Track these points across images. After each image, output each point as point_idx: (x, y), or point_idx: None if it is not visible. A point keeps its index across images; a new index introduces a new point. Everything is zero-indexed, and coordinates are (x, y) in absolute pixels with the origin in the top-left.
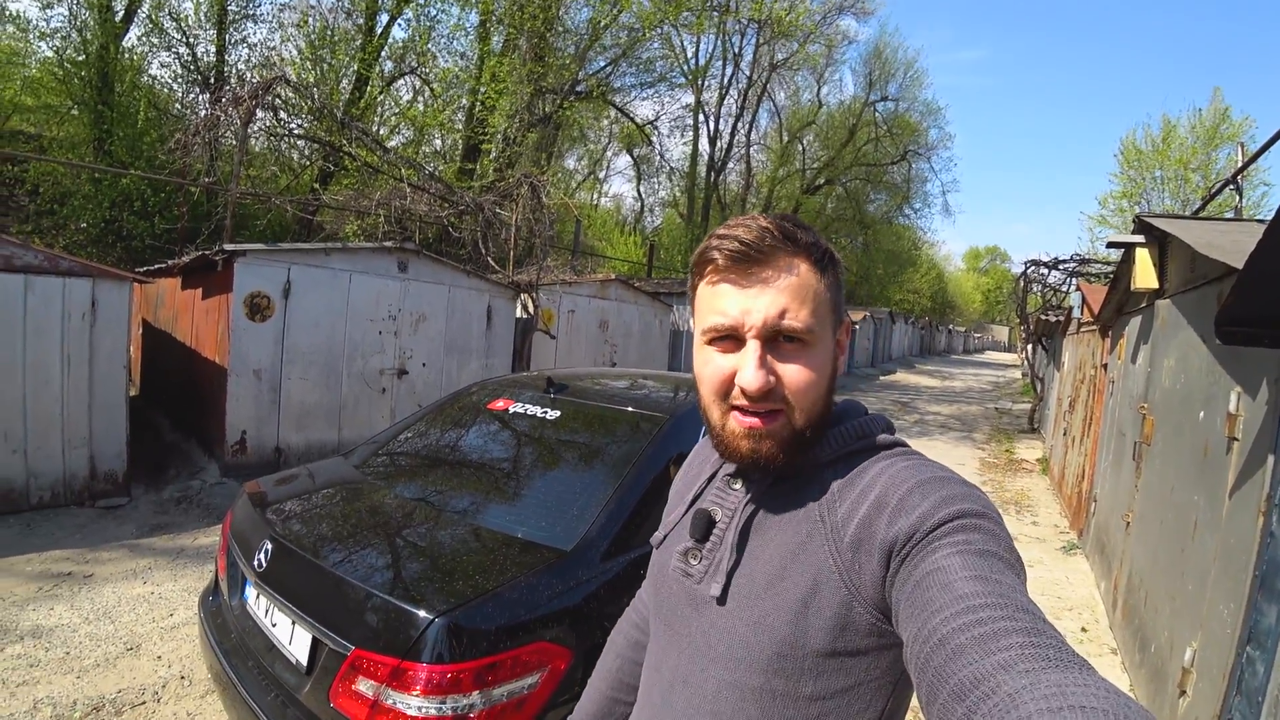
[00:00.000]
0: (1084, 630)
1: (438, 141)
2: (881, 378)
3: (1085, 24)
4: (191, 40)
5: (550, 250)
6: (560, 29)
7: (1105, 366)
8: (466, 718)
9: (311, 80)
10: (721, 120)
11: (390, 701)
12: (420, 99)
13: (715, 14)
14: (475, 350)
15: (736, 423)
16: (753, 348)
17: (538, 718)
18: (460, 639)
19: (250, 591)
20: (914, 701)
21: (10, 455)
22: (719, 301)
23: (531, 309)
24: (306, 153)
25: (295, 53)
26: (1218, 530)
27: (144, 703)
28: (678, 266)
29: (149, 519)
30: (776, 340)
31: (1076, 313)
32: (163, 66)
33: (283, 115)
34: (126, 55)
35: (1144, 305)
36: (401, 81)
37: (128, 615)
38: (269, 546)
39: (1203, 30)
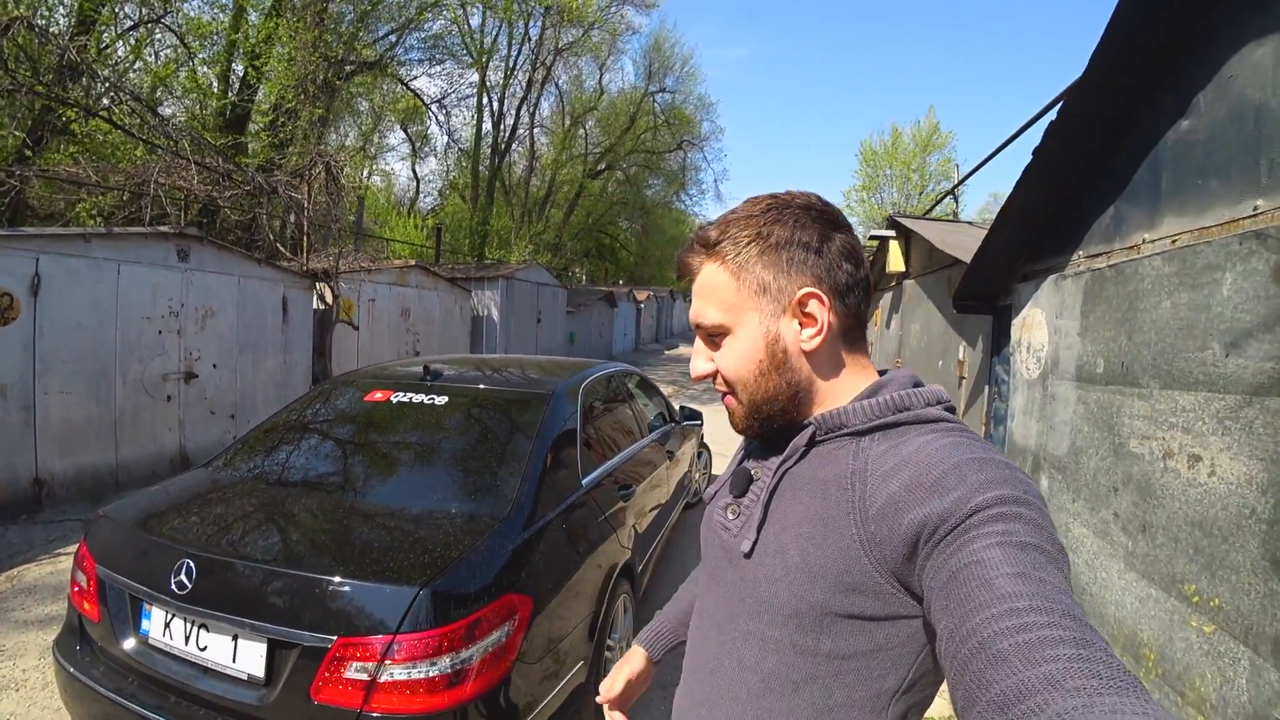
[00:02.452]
0: None
1: (188, 103)
2: (666, 351)
3: (829, 35)
4: None
5: (344, 235)
6: None
7: None
8: (464, 670)
9: (22, 11)
10: (506, 102)
11: (389, 676)
12: (157, 49)
13: None
14: (272, 346)
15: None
16: (696, 343)
17: (517, 657)
18: (446, 603)
19: (156, 623)
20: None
21: None
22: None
23: (330, 299)
24: (6, 107)
25: None
26: None
27: None
28: (464, 250)
29: None
30: (711, 335)
31: None
32: None
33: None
34: None
35: (894, 284)
36: (142, 29)
37: None
38: (189, 565)
39: (923, 53)
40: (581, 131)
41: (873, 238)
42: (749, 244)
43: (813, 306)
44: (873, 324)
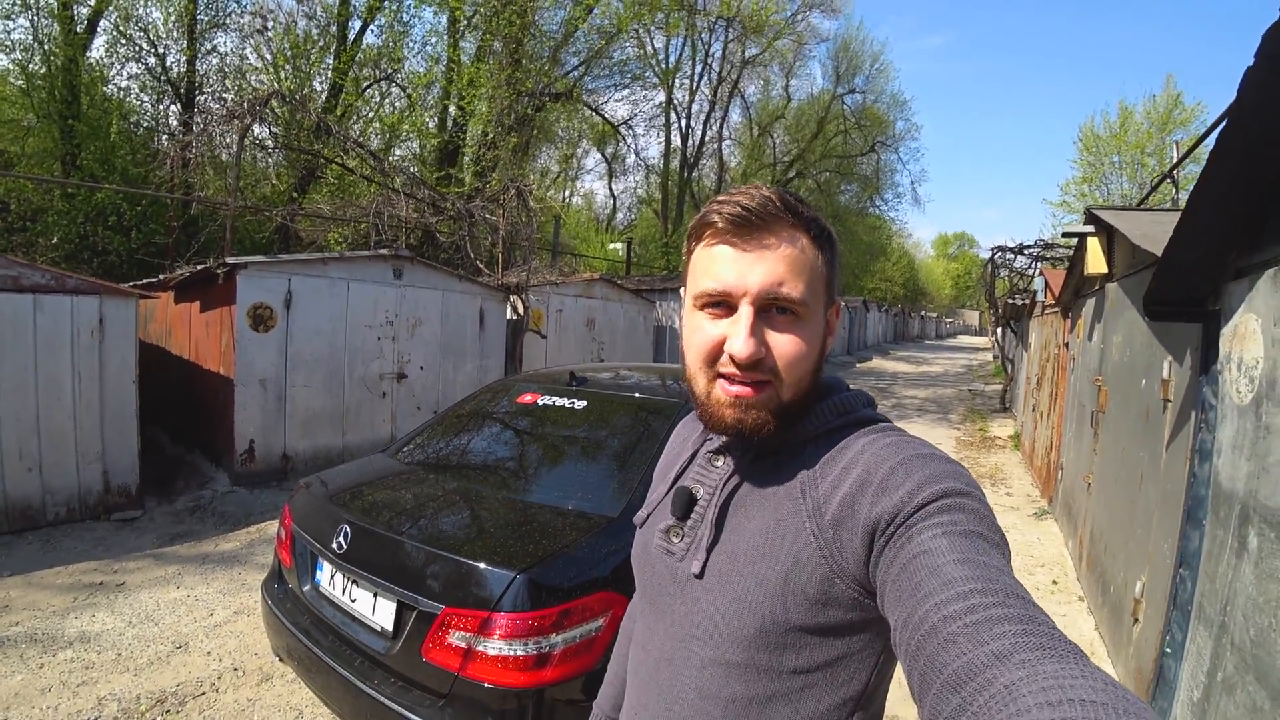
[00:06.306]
0: (1054, 583)
1: (414, 145)
2: (858, 365)
3: (1049, 6)
4: (160, 50)
5: (536, 252)
6: (535, 33)
7: (1067, 345)
8: (549, 655)
9: (286, 89)
10: (693, 118)
11: (483, 648)
12: (389, 102)
13: (684, 13)
14: (470, 352)
15: (723, 391)
16: (745, 314)
17: (603, 655)
18: (540, 590)
19: (324, 574)
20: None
21: (26, 473)
22: (715, 265)
23: (522, 310)
24: (285, 162)
25: (264, 61)
26: (1159, 480)
27: (204, 693)
28: (655, 263)
29: (166, 529)
30: (769, 310)
31: (1041, 296)
32: (131, 78)
33: (270, 127)
34: (94, 67)
35: (1096, 288)
36: (375, 87)
37: (169, 617)
38: (348, 530)
39: (1161, 12)
40: (769, 141)
41: (1067, 235)
42: (830, 238)
43: (834, 314)
44: (1075, 335)
